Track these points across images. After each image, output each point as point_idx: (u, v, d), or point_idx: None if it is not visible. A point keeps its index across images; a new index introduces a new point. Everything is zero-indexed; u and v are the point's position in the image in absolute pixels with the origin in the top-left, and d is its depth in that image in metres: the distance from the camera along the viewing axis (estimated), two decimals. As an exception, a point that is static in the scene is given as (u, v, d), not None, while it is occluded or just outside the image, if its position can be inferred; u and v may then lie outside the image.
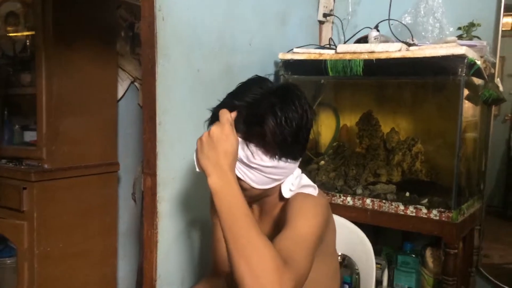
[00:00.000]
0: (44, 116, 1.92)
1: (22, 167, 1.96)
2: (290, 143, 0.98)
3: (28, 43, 2.01)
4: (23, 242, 1.89)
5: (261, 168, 0.99)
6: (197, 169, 0.96)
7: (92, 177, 2.11)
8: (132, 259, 2.51)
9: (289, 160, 1.01)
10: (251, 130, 0.97)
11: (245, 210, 0.87)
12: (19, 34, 2.05)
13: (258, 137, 0.97)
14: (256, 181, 1.01)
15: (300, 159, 1.06)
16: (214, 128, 0.92)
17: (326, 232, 1.05)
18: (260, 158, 0.98)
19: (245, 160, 0.99)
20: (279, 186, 1.07)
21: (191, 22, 1.43)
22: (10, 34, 2.09)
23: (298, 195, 1.04)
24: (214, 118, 1.01)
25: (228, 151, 0.91)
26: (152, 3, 1.29)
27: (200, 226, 1.52)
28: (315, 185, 1.10)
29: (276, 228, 1.08)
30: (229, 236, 0.84)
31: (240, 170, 0.99)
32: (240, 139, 0.97)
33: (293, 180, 1.08)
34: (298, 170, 1.10)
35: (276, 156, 0.98)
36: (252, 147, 0.97)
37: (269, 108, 0.96)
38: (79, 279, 2.07)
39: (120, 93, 2.40)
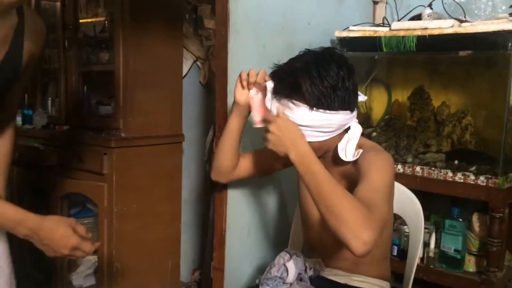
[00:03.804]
0: (121, 90, 2.16)
1: (102, 135, 2.21)
2: (327, 94, 1.14)
3: (106, 25, 2.24)
4: (103, 201, 2.14)
5: (308, 123, 1.16)
6: (280, 155, 1.14)
7: (161, 146, 2.34)
8: (192, 225, 2.73)
9: (327, 111, 1.16)
10: (291, 86, 1.17)
11: (326, 174, 1.05)
12: (99, 17, 2.28)
13: (297, 90, 1.15)
14: (308, 135, 1.17)
15: (348, 115, 1.20)
16: (280, 122, 1.12)
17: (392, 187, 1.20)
18: (303, 111, 1.16)
19: (293, 116, 1.17)
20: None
21: (258, 2, 1.58)
22: (90, 19, 2.33)
23: (371, 151, 1.19)
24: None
25: (295, 131, 1.12)
26: (226, -16, 1.46)
27: (264, 183, 1.70)
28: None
29: (346, 181, 1.24)
30: (318, 200, 1.03)
31: None
32: (285, 100, 1.17)
33: (346, 142, 1.23)
34: (354, 134, 1.24)
35: (314, 108, 1.15)
36: (295, 101, 1.16)
37: (304, 65, 1.17)
38: (149, 237, 2.31)
39: (184, 71, 2.59)
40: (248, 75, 1.27)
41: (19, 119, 2.61)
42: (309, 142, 1.15)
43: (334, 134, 1.21)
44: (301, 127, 1.16)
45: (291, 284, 1.23)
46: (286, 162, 1.42)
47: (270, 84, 1.24)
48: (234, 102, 1.32)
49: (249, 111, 1.31)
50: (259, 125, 1.26)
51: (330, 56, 1.20)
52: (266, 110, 1.26)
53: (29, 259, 2.57)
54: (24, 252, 2.58)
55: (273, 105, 1.21)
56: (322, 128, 1.18)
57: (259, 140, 1.48)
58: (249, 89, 1.28)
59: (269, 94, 1.23)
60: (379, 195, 1.08)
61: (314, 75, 1.14)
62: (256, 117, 1.27)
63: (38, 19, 1.21)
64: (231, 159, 1.40)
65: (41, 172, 2.40)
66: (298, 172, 1.09)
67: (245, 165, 1.44)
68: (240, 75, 1.29)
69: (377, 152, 1.21)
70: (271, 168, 1.47)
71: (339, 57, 1.21)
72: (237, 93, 1.30)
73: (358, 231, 0.96)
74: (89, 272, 2.44)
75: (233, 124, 1.35)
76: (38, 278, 2.52)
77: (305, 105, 1.15)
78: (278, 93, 1.20)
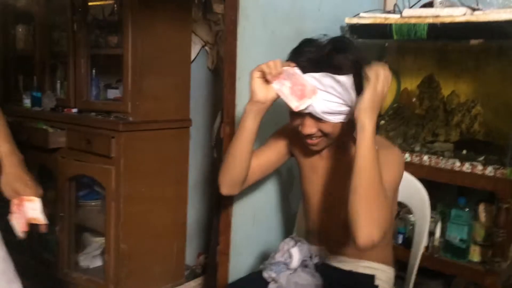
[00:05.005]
0: (130, 74, 2.16)
1: (111, 119, 2.22)
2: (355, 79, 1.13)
3: (115, 8, 2.23)
4: (111, 184, 2.16)
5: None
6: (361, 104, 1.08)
7: (168, 131, 2.35)
8: (199, 209, 2.75)
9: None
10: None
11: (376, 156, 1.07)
12: (108, 0, 2.27)
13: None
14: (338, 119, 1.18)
15: None
16: (378, 91, 1.07)
17: None
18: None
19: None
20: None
21: (268, -13, 1.58)
22: (100, 2, 2.32)
23: (380, 148, 1.16)
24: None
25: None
26: (236, -31, 1.45)
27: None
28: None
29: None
30: (362, 174, 1.05)
31: (329, 115, 1.17)
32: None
33: None
34: None
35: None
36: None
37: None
38: (156, 220, 2.34)
39: (192, 56, 2.59)
40: (269, 65, 1.17)
41: (28, 101, 2.63)
42: (334, 125, 1.19)
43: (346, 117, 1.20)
44: (340, 108, 1.16)
45: (295, 270, 1.24)
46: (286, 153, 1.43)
47: (293, 70, 1.18)
48: (253, 102, 1.21)
49: (268, 108, 1.24)
50: (300, 107, 1.18)
51: (345, 42, 1.21)
52: (303, 90, 1.17)
53: (37, 239, 2.61)
54: (32, 233, 2.62)
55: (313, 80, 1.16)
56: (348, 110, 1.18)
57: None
58: (271, 82, 1.19)
59: (299, 73, 1.17)
60: (388, 193, 1.11)
61: (343, 61, 1.15)
62: (293, 102, 1.18)
63: None
64: (247, 167, 1.30)
65: (49, 154, 2.42)
66: (361, 137, 1.06)
67: (256, 168, 1.36)
68: (261, 70, 1.18)
69: (386, 149, 1.20)
70: (278, 162, 1.43)
71: (351, 42, 1.23)
72: (258, 91, 1.20)
73: (375, 226, 1.02)
74: (96, 253, 2.49)
75: (251, 126, 1.24)
76: (45, 258, 2.56)
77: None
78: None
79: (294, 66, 1.18)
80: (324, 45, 1.18)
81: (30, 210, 1.10)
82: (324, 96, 1.15)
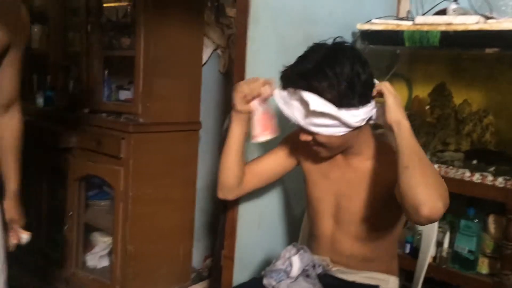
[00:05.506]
0: (141, 76, 2.17)
1: (121, 120, 2.23)
2: (346, 94, 1.11)
3: (129, 10, 2.25)
4: (120, 185, 2.17)
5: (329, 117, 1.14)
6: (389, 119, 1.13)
7: (178, 133, 2.35)
8: (207, 212, 2.76)
9: (351, 109, 1.13)
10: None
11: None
12: (122, 2, 2.29)
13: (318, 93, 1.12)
14: (329, 132, 1.16)
15: (370, 107, 1.17)
16: (395, 95, 1.16)
17: None
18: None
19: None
20: (362, 139, 1.22)
21: (279, -9, 1.57)
22: (114, 4, 2.35)
23: None
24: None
25: None
26: (248, -27, 1.45)
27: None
28: None
29: (364, 176, 1.26)
30: (414, 161, 1.07)
31: (317, 127, 1.16)
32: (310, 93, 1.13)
33: None
34: None
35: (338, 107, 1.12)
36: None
37: (316, 66, 1.13)
38: (163, 222, 2.34)
39: (204, 59, 2.59)
40: (249, 87, 1.25)
41: (41, 100, 2.66)
42: (332, 136, 1.17)
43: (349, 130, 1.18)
44: (327, 122, 1.14)
45: (296, 278, 1.22)
46: (288, 163, 1.43)
47: (278, 92, 1.21)
48: (235, 111, 1.30)
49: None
50: (259, 139, 1.26)
51: (342, 52, 1.15)
52: (268, 123, 1.26)
53: (45, 238, 2.64)
54: (41, 232, 2.64)
55: (291, 104, 1.17)
56: (343, 124, 1.16)
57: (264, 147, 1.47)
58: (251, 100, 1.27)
59: (281, 102, 1.20)
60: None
61: (330, 76, 1.11)
62: (257, 130, 1.26)
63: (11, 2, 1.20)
64: (237, 171, 1.35)
65: (60, 153, 2.44)
66: (403, 137, 1.10)
67: (253, 175, 1.39)
68: (242, 89, 1.27)
69: None
70: (282, 170, 1.44)
71: (351, 51, 1.18)
72: (238, 104, 1.28)
73: (438, 197, 1.02)
74: (104, 253, 2.50)
75: (236, 132, 1.32)
76: (53, 257, 2.57)
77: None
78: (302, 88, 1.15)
79: (274, 88, 1.23)
80: (315, 58, 1.15)
81: (23, 240, 1.39)
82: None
